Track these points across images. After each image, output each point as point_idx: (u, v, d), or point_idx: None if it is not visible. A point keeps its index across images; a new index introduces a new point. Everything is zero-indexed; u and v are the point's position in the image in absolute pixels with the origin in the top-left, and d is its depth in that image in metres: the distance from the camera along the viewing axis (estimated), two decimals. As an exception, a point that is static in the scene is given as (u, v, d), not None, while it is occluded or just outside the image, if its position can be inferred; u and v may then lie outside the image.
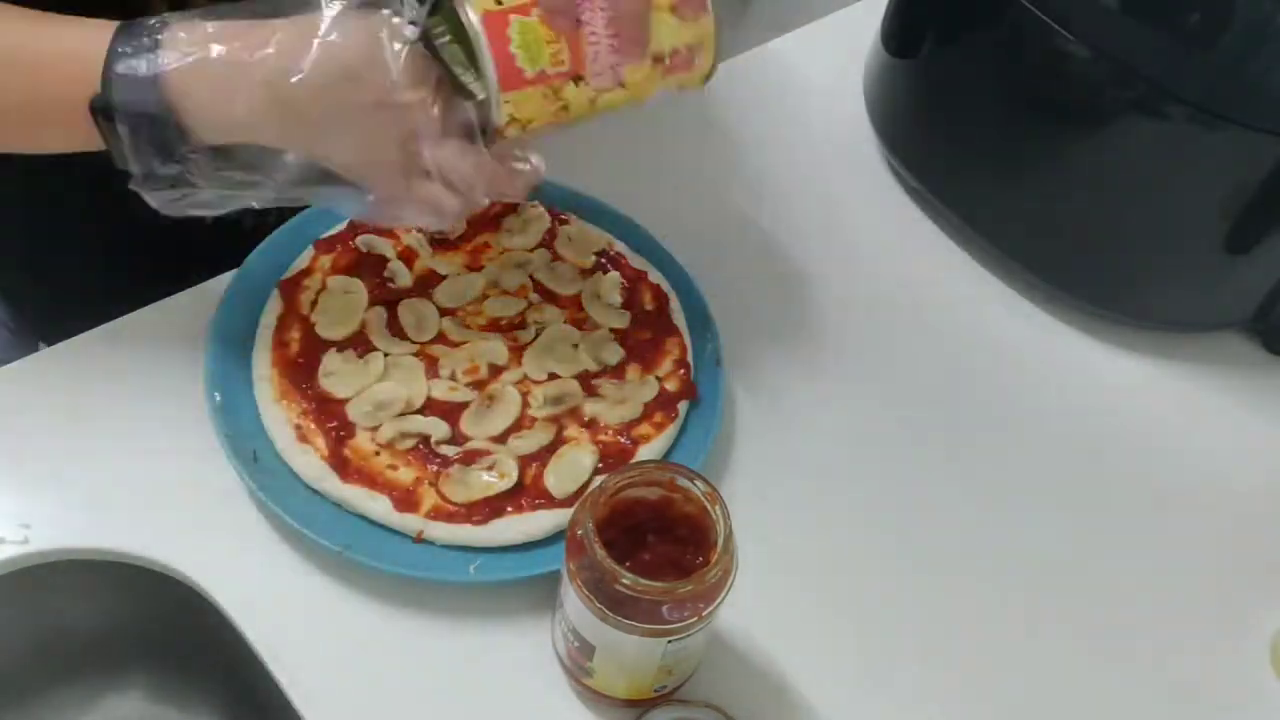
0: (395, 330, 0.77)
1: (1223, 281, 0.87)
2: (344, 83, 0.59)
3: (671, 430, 0.75)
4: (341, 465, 0.70)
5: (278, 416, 0.71)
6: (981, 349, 0.88)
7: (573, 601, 0.60)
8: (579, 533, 0.59)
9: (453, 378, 0.75)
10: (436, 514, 0.69)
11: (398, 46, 0.59)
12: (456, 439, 0.72)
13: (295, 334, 0.75)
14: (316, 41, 0.59)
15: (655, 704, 0.65)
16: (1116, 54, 0.76)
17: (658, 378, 0.77)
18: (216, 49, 0.58)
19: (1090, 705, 0.70)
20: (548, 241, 0.84)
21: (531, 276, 0.82)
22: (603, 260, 0.83)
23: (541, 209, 0.85)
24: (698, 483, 0.61)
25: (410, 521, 0.69)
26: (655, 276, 0.83)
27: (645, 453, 0.73)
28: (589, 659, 0.62)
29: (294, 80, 0.58)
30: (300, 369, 0.74)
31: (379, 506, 0.69)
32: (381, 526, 0.69)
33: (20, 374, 0.75)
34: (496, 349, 0.77)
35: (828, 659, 0.70)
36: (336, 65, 0.59)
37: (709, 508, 0.60)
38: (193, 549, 0.69)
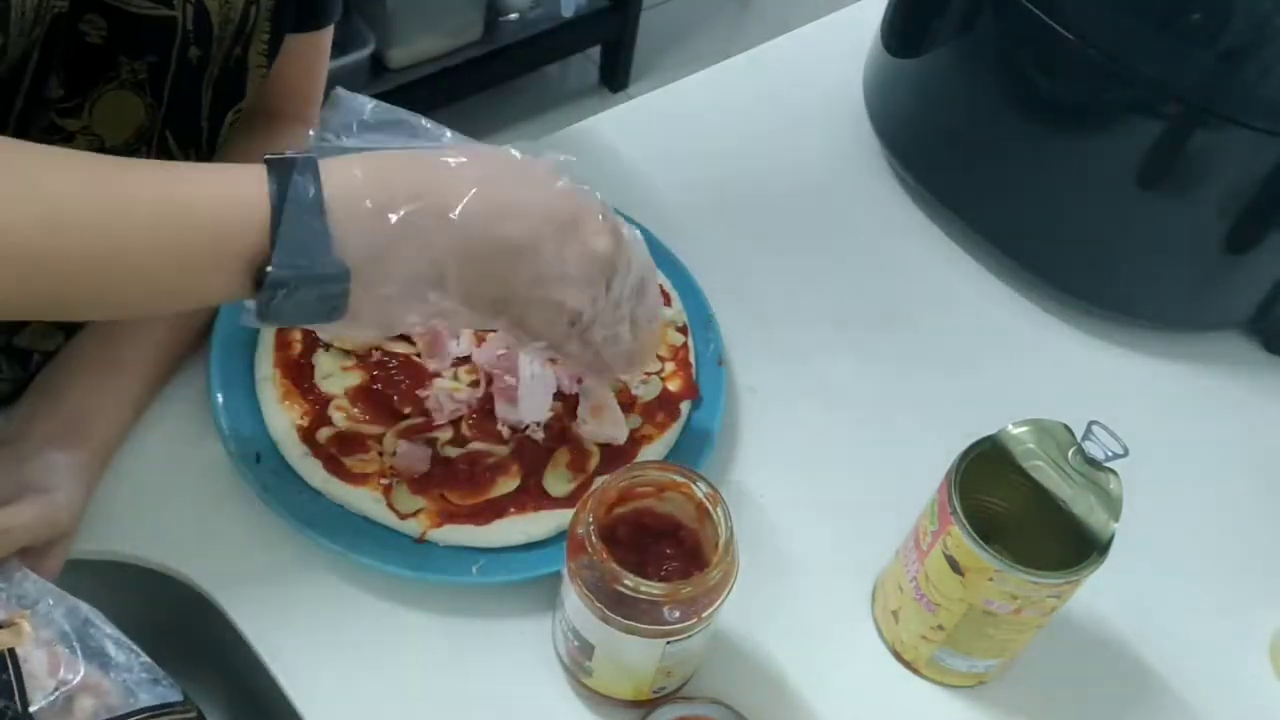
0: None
1: (1223, 281, 0.87)
2: (555, 241, 0.58)
3: (673, 430, 0.75)
4: (343, 466, 0.70)
5: (280, 418, 0.71)
6: (982, 348, 0.88)
7: (573, 601, 0.60)
8: (580, 533, 0.59)
9: (454, 379, 0.75)
10: (439, 515, 0.69)
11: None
12: (457, 440, 0.72)
13: (298, 335, 0.75)
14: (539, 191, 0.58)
15: (658, 703, 0.65)
16: (1116, 54, 0.77)
17: (660, 378, 0.77)
18: (401, 203, 0.54)
19: (1090, 705, 0.71)
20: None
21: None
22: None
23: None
24: (699, 484, 0.61)
25: (412, 522, 0.69)
26: (658, 277, 0.83)
27: (647, 453, 0.74)
28: (589, 659, 0.62)
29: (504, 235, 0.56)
30: (303, 370, 0.74)
31: (381, 508, 0.69)
32: (383, 527, 0.69)
33: (22, 375, 0.75)
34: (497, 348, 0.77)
35: (829, 659, 0.70)
36: (556, 219, 0.58)
37: (710, 509, 0.60)
38: (194, 550, 0.69)
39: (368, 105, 0.62)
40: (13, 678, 0.52)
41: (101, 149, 0.67)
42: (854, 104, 1.01)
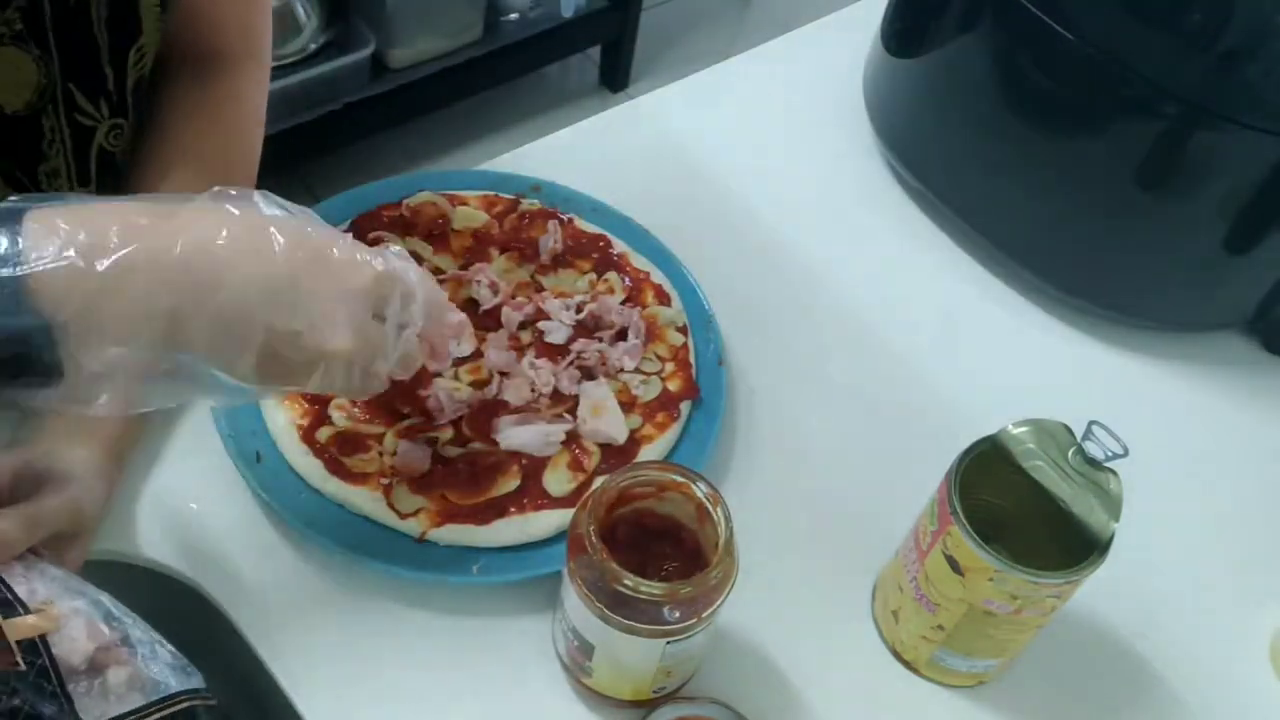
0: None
1: (1223, 281, 0.87)
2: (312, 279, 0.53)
3: (674, 430, 0.75)
4: (344, 466, 0.70)
5: (280, 417, 0.71)
6: (982, 348, 0.88)
7: (573, 601, 0.60)
8: (580, 533, 0.59)
9: (455, 378, 0.75)
10: (439, 514, 0.69)
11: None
12: (458, 440, 0.72)
13: (297, 335, 0.75)
14: (271, 230, 0.52)
15: (658, 703, 0.65)
16: (1116, 54, 0.77)
17: (660, 378, 0.77)
18: (111, 250, 0.48)
19: (1090, 705, 0.71)
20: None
21: (533, 276, 0.82)
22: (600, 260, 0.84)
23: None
24: (699, 484, 0.61)
25: (412, 522, 0.69)
26: (658, 277, 0.83)
27: (647, 453, 0.74)
28: (589, 659, 0.62)
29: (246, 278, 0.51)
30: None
31: (381, 507, 0.69)
32: (384, 527, 0.69)
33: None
34: (498, 348, 0.77)
35: (829, 659, 0.70)
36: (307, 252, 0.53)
37: (710, 509, 0.60)
38: (194, 550, 0.69)
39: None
40: (48, 662, 0.53)
41: (2, 116, 0.63)
42: (854, 104, 1.01)
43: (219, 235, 0.51)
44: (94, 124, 0.69)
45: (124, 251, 0.48)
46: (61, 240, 0.47)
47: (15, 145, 0.66)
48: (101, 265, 0.48)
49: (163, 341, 0.50)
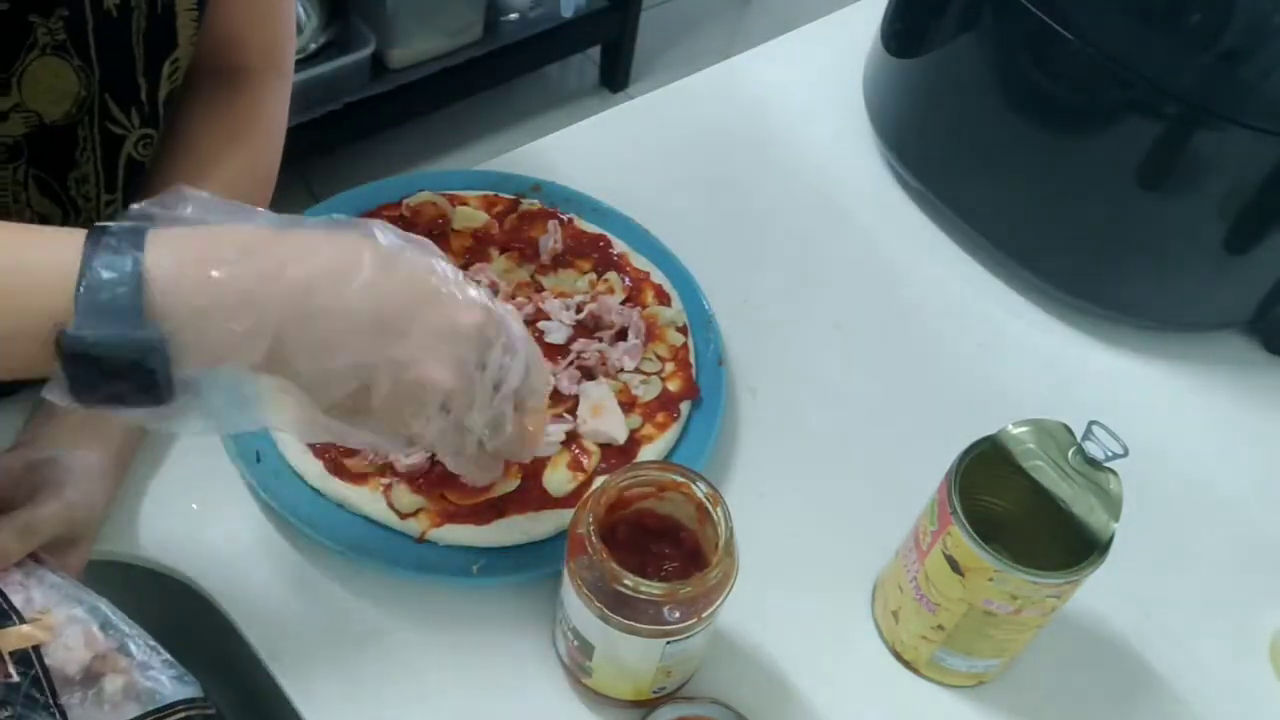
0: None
1: (1223, 281, 0.87)
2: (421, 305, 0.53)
3: (674, 430, 0.75)
4: (344, 466, 0.70)
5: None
6: (982, 348, 0.88)
7: (573, 601, 0.60)
8: (580, 533, 0.59)
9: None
10: (439, 514, 0.69)
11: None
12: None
13: (296, 334, 0.75)
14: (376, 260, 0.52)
15: (659, 703, 0.65)
16: (1116, 54, 0.77)
17: (660, 378, 0.77)
18: (227, 262, 0.49)
19: (1090, 705, 0.71)
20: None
21: (533, 276, 0.82)
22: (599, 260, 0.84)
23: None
24: (700, 484, 0.61)
25: (412, 522, 0.69)
26: (658, 277, 0.83)
27: (647, 453, 0.74)
28: (589, 659, 0.62)
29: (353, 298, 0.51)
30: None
31: (381, 507, 0.69)
32: (384, 527, 0.69)
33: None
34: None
35: (830, 658, 0.70)
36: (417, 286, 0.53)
37: (710, 509, 0.60)
38: (194, 549, 0.69)
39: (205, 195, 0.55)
40: (40, 673, 0.53)
41: (41, 126, 0.64)
42: (854, 104, 1.01)
43: (331, 260, 0.51)
44: (124, 133, 0.69)
45: (237, 271, 0.49)
46: (178, 258, 0.48)
47: (49, 154, 0.66)
48: (215, 280, 0.48)
49: (265, 363, 0.50)
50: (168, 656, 0.57)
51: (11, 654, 0.52)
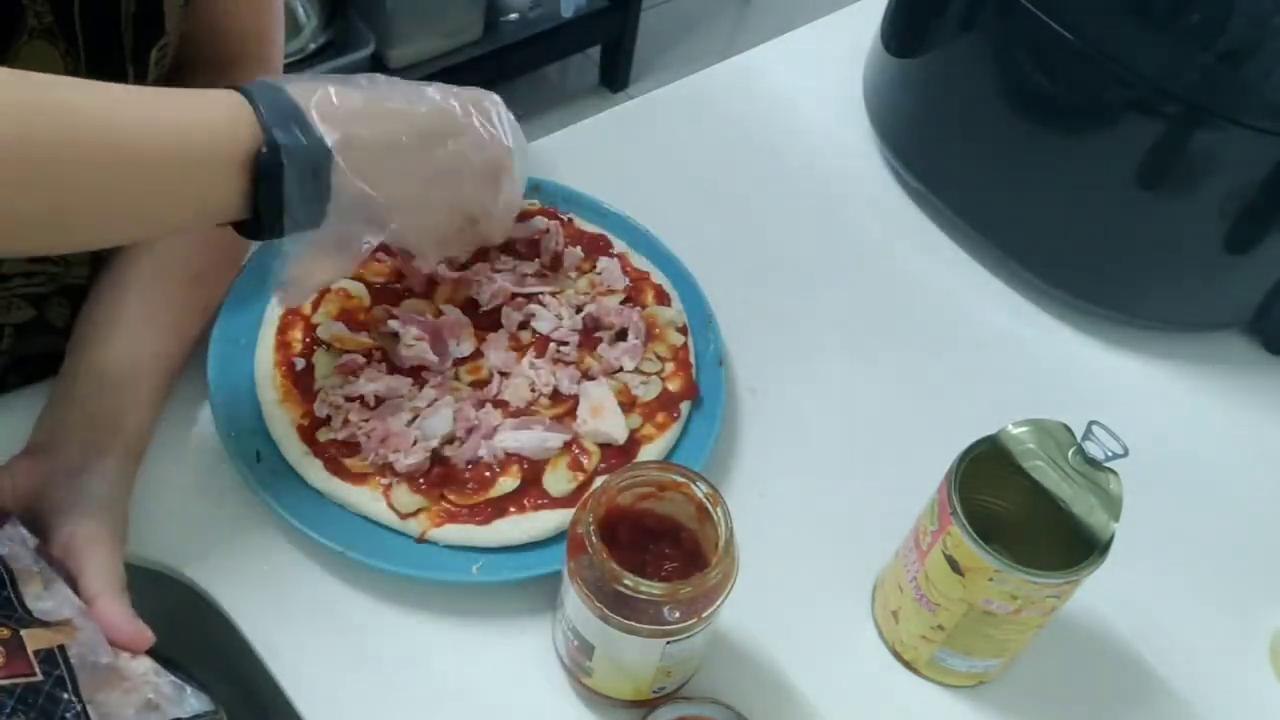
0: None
1: (1223, 281, 0.87)
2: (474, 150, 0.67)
3: (674, 430, 0.75)
4: (344, 466, 0.70)
5: (280, 416, 0.71)
6: (982, 348, 0.88)
7: (573, 601, 0.60)
8: (580, 533, 0.59)
9: (456, 378, 0.75)
10: (439, 514, 0.69)
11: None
12: (459, 440, 0.72)
13: (298, 334, 0.75)
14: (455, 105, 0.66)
15: (659, 703, 0.65)
16: (1116, 54, 0.77)
17: (660, 378, 0.77)
18: (362, 92, 0.61)
19: (1090, 705, 0.71)
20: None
21: (534, 275, 0.82)
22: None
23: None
24: (699, 484, 0.61)
25: (412, 522, 0.69)
26: (658, 277, 0.83)
27: (647, 453, 0.74)
28: (589, 659, 0.62)
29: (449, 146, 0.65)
30: (303, 369, 0.74)
31: (381, 507, 0.69)
32: (384, 527, 0.69)
33: (22, 374, 0.75)
34: (498, 349, 0.77)
35: (830, 659, 0.70)
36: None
37: (710, 509, 0.60)
38: (194, 549, 0.69)
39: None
40: (65, 673, 0.53)
41: None
42: (854, 104, 1.01)
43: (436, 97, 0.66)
44: None
45: (374, 93, 0.62)
46: (322, 88, 0.60)
47: None
48: (359, 97, 0.61)
49: (390, 157, 0.62)
50: (171, 678, 0.57)
51: (36, 652, 0.53)
